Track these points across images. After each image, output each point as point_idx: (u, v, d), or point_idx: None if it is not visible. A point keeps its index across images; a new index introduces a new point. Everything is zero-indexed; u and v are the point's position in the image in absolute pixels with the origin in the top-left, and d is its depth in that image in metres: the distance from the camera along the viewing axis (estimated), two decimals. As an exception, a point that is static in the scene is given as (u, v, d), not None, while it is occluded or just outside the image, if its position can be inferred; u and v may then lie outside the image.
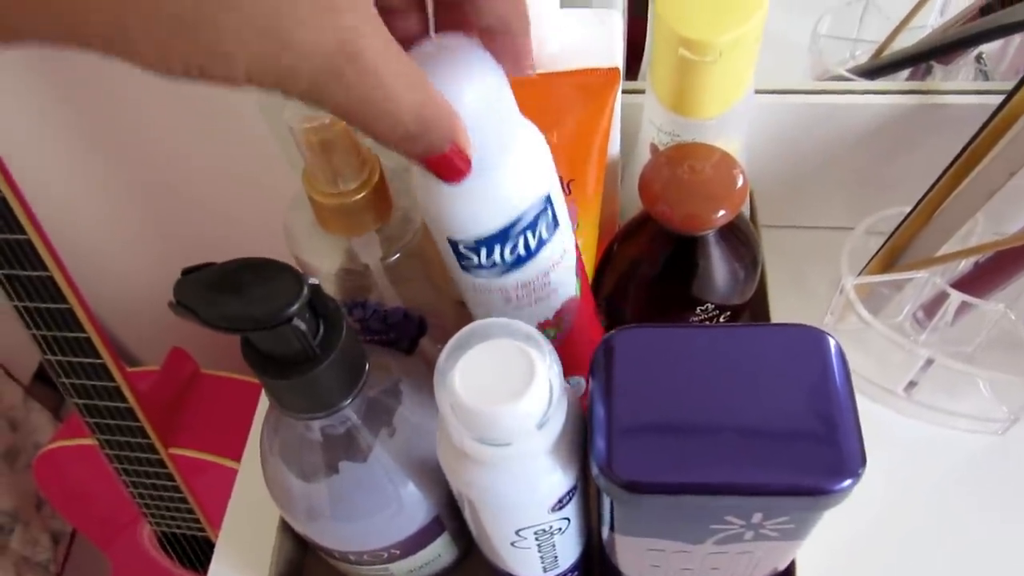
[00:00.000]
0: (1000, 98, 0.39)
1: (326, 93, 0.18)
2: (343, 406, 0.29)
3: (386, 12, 0.21)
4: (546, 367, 0.25)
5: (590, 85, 0.32)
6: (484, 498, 0.28)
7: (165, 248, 0.88)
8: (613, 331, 0.28)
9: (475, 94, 0.23)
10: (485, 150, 0.25)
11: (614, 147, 0.38)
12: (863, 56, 0.52)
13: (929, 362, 0.40)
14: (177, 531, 0.87)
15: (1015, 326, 0.40)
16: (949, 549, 0.41)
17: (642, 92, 0.40)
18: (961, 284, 0.42)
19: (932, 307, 0.43)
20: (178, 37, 0.16)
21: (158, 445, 0.74)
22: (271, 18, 0.16)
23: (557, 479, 0.27)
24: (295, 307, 0.25)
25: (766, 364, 0.26)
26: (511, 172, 0.26)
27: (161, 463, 0.76)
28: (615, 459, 0.25)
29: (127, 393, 0.70)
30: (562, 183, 0.35)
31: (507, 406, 0.24)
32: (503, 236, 0.27)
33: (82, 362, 0.67)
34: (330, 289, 0.38)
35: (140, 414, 0.71)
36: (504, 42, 0.24)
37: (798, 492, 0.24)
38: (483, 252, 0.28)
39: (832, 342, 0.26)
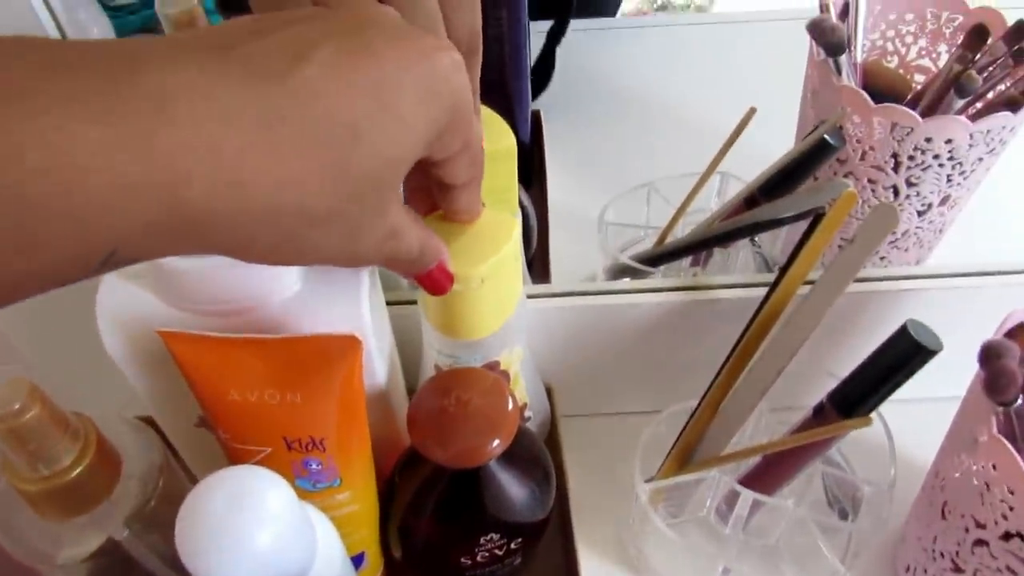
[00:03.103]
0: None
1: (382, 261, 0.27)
2: None
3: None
4: None
5: (330, 352, 0.31)
6: None
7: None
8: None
9: (270, 536, 0.25)
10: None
11: (378, 378, 0.36)
12: (652, 242, 0.54)
13: (727, 570, 0.39)
14: None
15: (806, 520, 0.40)
16: None
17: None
18: (750, 479, 0.41)
19: (731, 500, 0.42)
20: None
21: None
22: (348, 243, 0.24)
23: None
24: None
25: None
26: None
27: None
28: None
29: None
30: (314, 442, 0.33)
31: None
32: None
33: None
34: None
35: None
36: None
37: None
38: None
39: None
